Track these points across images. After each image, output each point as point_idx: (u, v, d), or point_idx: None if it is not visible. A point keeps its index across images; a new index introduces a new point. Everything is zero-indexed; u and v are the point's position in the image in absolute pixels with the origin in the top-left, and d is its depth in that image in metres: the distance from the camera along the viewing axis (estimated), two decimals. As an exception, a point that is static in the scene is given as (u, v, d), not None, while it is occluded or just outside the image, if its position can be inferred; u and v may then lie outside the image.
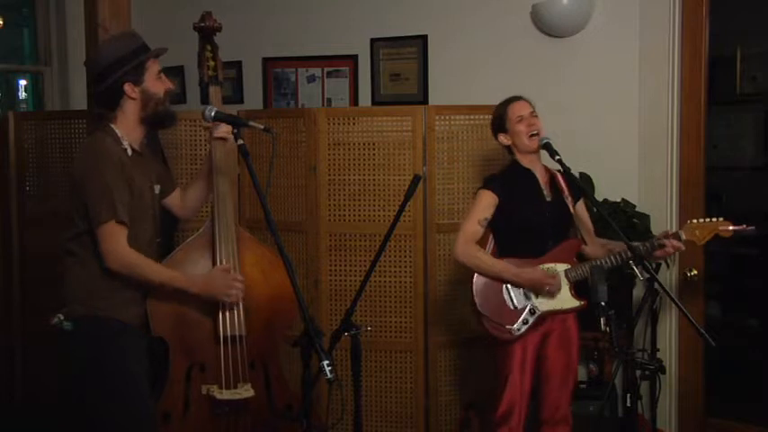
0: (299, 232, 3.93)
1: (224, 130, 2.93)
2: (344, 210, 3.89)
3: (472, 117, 3.85)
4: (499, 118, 3.27)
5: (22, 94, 5.71)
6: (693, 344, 4.00)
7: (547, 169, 3.30)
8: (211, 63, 3.12)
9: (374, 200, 3.86)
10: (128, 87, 2.76)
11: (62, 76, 5.21)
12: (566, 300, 3.18)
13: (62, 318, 2.75)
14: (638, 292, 3.92)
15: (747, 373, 4.86)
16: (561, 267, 3.18)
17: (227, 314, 2.94)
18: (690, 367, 4.06)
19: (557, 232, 3.21)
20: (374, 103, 4.76)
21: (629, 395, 2.92)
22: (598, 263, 3.10)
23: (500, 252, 3.25)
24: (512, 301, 3.17)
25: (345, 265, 3.88)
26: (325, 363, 2.23)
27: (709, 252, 3.93)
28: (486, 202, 3.20)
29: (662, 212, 4.05)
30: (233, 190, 3.14)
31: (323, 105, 4.87)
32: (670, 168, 4.05)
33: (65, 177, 3.97)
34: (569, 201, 3.24)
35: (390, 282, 3.86)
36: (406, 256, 3.84)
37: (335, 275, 3.90)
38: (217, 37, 3.16)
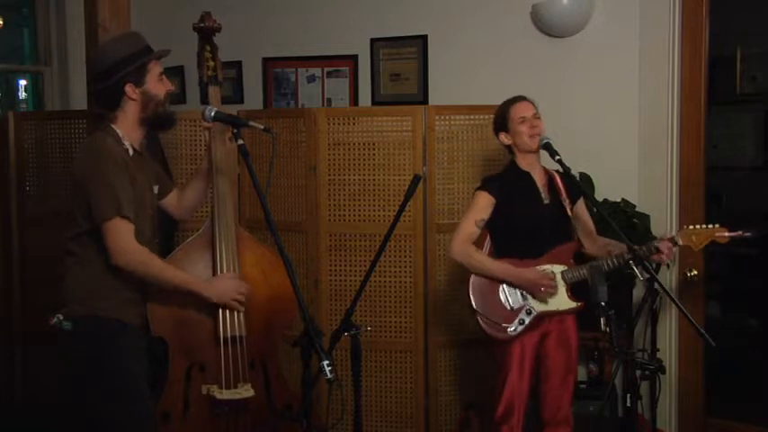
0: (299, 232, 3.93)
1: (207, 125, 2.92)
2: (344, 210, 3.89)
3: (472, 117, 3.85)
4: (502, 117, 3.27)
5: (22, 94, 5.71)
6: (693, 344, 4.00)
7: (545, 171, 3.30)
8: (211, 63, 3.12)
9: (374, 200, 3.86)
10: (129, 88, 2.76)
11: (62, 76, 5.21)
12: (562, 301, 3.19)
13: (62, 318, 2.74)
14: (638, 292, 3.92)
15: (747, 373, 4.87)
16: (558, 269, 3.18)
17: (227, 314, 2.94)
18: (690, 367, 4.06)
19: (554, 235, 3.21)
20: (374, 103, 4.76)
21: (629, 395, 2.92)
22: (597, 264, 3.10)
23: (497, 253, 3.25)
24: (508, 301, 3.17)
25: (345, 265, 3.88)
26: (325, 363, 2.23)
27: (709, 252, 3.93)
28: (484, 203, 3.20)
29: (662, 212, 4.05)
30: (233, 190, 3.14)
31: (323, 105, 4.87)
32: (670, 168, 4.05)
33: (65, 177, 3.97)
34: (567, 203, 3.23)
35: (390, 282, 3.86)
36: (406, 256, 3.84)
37: (335, 275, 3.90)
38: (216, 37, 3.16)
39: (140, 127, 2.83)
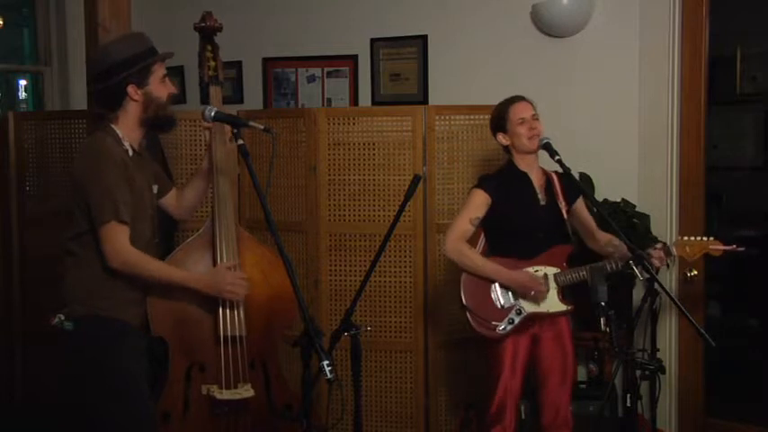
0: (299, 232, 3.93)
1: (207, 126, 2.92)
2: (344, 210, 3.89)
3: (472, 117, 3.85)
4: (500, 117, 3.26)
5: (22, 94, 5.71)
6: (693, 344, 4.01)
7: (543, 172, 3.29)
8: (212, 63, 3.11)
9: (374, 200, 3.86)
10: (131, 89, 2.76)
11: (62, 76, 5.21)
12: (553, 303, 3.18)
13: (62, 318, 2.75)
14: (638, 292, 3.92)
15: (747, 373, 4.87)
16: (551, 271, 3.18)
17: (228, 314, 2.94)
18: (690, 367, 4.06)
19: (549, 236, 3.20)
20: (374, 103, 4.76)
21: (629, 395, 2.92)
22: (598, 265, 3.10)
23: (491, 252, 3.25)
24: (499, 300, 3.18)
25: (345, 265, 3.88)
26: (325, 363, 2.23)
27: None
28: (479, 202, 3.20)
29: (662, 212, 4.05)
30: (233, 190, 3.13)
31: (323, 105, 4.88)
32: (670, 168, 4.05)
33: (65, 177, 3.96)
34: (563, 205, 3.23)
35: (390, 282, 3.86)
36: (406, 256, 3.84)
37: (335, 275, 3.90)
38: (217, 37, 3.16)
39: (140, 128, 2.83)
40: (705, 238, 3.22)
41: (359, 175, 3.87)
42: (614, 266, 3.09)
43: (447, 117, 3.86)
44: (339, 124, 3.90)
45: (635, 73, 4.14)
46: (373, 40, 4.73)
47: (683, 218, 4.03)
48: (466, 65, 4.50)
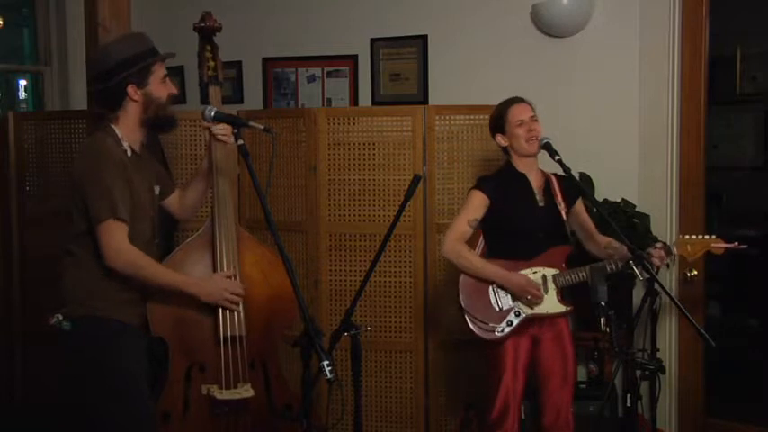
0: (299, 232, 3.93)
1: (221, 131, 2.91)
2: (344, 210, 3.89)
3: (472, 117, 3.85)
4: (498, 118, 3.25)
5: (22, 94, 5.71)
6: (693, 344, 4.00)
7: (542, 174, 3.28)
8: (211, 63, 3.11)
9: (374, 200, 3.86)
10: (131, 90, 2.76)
11: (62, 76, 5.20)
12: (552, 304, 3.18)
13: (61, 318, 2.75)
14: (638, 292, 3.92)
15: (747, 373, 4.87)
16: (550, 272, 3.17)
17: (227, 314, 2.94)
18: (690, 367, 4.06)
19: (547, 237, 3.19)
20: (374, 103, 4.76)
21: (629, 395, 2.92)
22: (599, 265, 3.10)
23: (489, 253, 3.24)
24: (497, 302, 3.17)
25: (345, 265, 3.89)
26: (325, 363, 2.23)
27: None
28: (477, 203, 3.20)
29: (662, 212, 4.05)
30: (233, 190, 3.13)
31: (323, 105, 4.87)
32: (670, 168, 4.05)
33: (65, 177, 3.96)
34: (562, 207, 3.22)
35: (390, 282, 3.86)
36: (406, 256, 3.84)
37: (335, 275, 3.90)
38: (217, 37, 3.16)
39: (140, 128, 2.83)
40: (706, 237, 3.21)
41: (359, 175, 3.87)
42: (614, 267, 3.09)
43: (447, 117, 3.86)
44: (339, 124, 3.90)
45: (635, 73, 4.14)
46: (373, 40, 4.73)
47: (683, 218, 4.03)
48: (466, 65, 4.50)
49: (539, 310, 3.17)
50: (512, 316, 3.15)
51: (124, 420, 2.73)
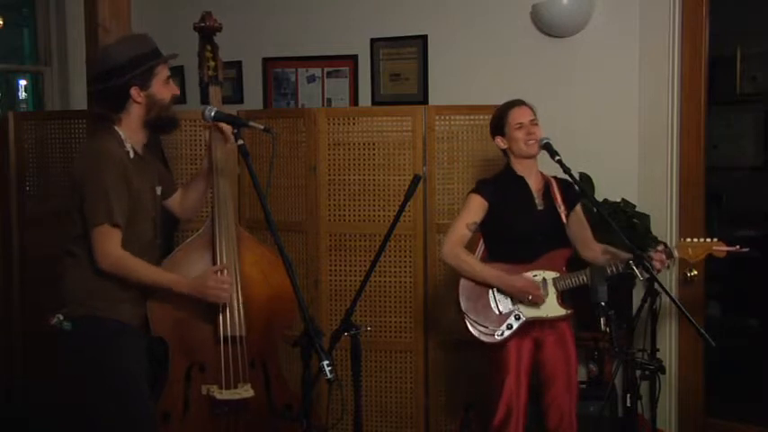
0: (299, 232, 3.93)
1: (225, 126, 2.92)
2: (344, 210, 3.89)
3: (472, 117, 3.85)
4: (499, 120, 3.24)
5: (22, 94, 5.71)
6: (693, 344, 4.00)
7: (542, 177, 3.27)
8: (211, 63, 3.11)
9: (374, 200, 3.86)
10: (134, 91, 2.75)
11: (62, 76, 5.21)
12: (552, 308, 3.16)
13: (61, 318, 2.75)
14: (638, 292, 3.92)
15: (747, 373, 4.87)
16: (550, 275, 3.16)
17: (227, 314, 2.94)
18: (690, 367, 4.05)
19: (547, 241, 3.18)
20: (374, 103, 4.76)
21: (629, 395, 2.92)
22: (599, 266, 3.09)
23: (489, 256, 3.23)
24: (497, 305, 3.16)
25: (345, 265, 3.89)
26: (325, 363, 2.23)
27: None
28: (476, 206, 3.18)
29: (662, 212, 4.05)
30: (232, 190, 3.13)
31: (323, 105, 4.87)
32: (670, 168, 4.05)
33: (65, 177, 3.96)
34: (562, 210, 3.21)
35: (390, 282, 3.86)
36: (406, 256, 3.84)
37: (335, 275, 3.90)
38: (217, 37, 3.16)
39: (143, 129, 2.83)
40: (708, 240, 3.20)
41: (359, 175, 3.87)
42: (614, 270, 3.08)
43: (447, 117, 3.86)
44: (339, 124, 3.90)
45: (635, 73, 4.14)
46: (373, 40, 4.73)
47: (683, 218, 4.03)
48: (466, 65, 4.50)
49: (539, 313, 3.15)
50: (512, 319, 3.14)
51: (124, 420, 2.73)
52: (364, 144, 3.88)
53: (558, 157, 3.11)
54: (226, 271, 2.91)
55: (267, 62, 4.98)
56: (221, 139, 2.98)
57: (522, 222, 3.18)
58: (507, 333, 3.13)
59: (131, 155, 2.79)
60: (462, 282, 3.18)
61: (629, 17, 4.14)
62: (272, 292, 3.06)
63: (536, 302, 3.14)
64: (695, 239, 3.21)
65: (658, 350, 3.11)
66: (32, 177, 4.18)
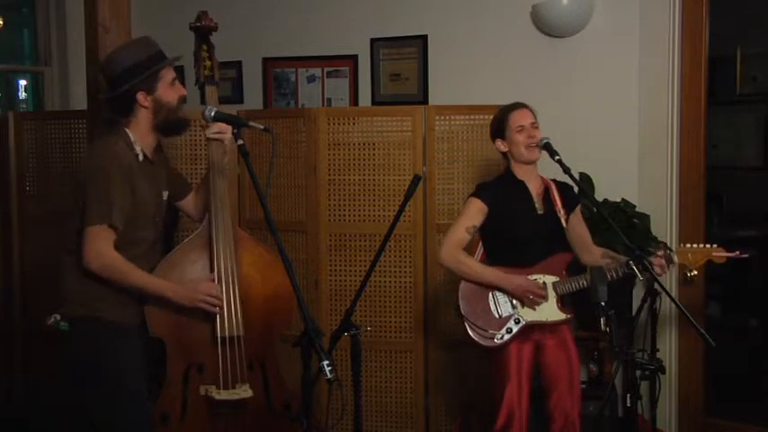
0: (299, 232, 3.93)
1: (215, 130, 2.91)
2: (344, 210, 3.89)
3: (472, 117, 3.85)
4: (499, 123, 3.21)
5: (22, 94, 5.71)
6: (693, 344, 4.00)
7: (542, 180, 3.25)
8: (208, 63, 3.10)
9: (374, 200, 3.86)
10: (140, 96, 2.75)
11: (62, 76, 5.21)
12: (552, 312, 3.15)
13: (59, 318, 2.75)
14: (638, 292, 3.92)
15: (747, 373, 4.87)
16: (550, 280, 3.15)
17: (225, 315, 2.94)
18: (690, 367, 4.05)
19: (547, 245, 3.16)
20: (374, 103, 4.76)
21: (629, 395, 2.91)
22: (600, 266, 3.08)
23: (488, 260, 3.22)
24: (497, 309, 3.14)
25: (345, 265, 3.88)
26: (325, 363, 2.23)
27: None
28: (475, 210, 3.16)
29: (662, 212, 4.05)
30: (232, 190, 3.13)
31: (323, 105, 4.87)
32: (670, 168, 4.05)
33: (65, 177, 3.97)
34: (562, 214, 3.19)
35: (390, 282, 3.86)
36: (406, 256, 3.84)
37: (335, 275, 3.90)
38: (217, 37, 3.15)
39: (153, 133, 2.83)
40: (708, 246, 3.20)
41: (359, 175, 3.87)
42: (615, 275, 3.07)
43: (447, 117, 3.86)
44: (339, 124, 3.90)
45: (635, 73, 4.14)
46: (373, 40, 4.73)
47: (683, 218, 4.03)
48: (466, 65, 4.50)
49: (539, 317, 3.14)
50: (511, 323, 3.13)
51: (122, 420, 2.73)
52: (364, 144, 3.88)
53: (557, 157, 3.10)
54: (231, 278, 2.91)
55: (267, 62, 4.98)
56: (218, 139, 2.98)
57: (522, 227, 3.16)
58: (507, 337, 3.12)
59: (140, 158, 2.79)
60: (462, 285, 3.17)
61: (629, 17, 4.14)
62: (270, 292, 3.06)
63: (538, 302, 3.13)
64: (695, 245, 3.20)
65: (658, 350, 3.11)
66: (32, 177, 4.18)
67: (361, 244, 3.85)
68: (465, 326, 3.14)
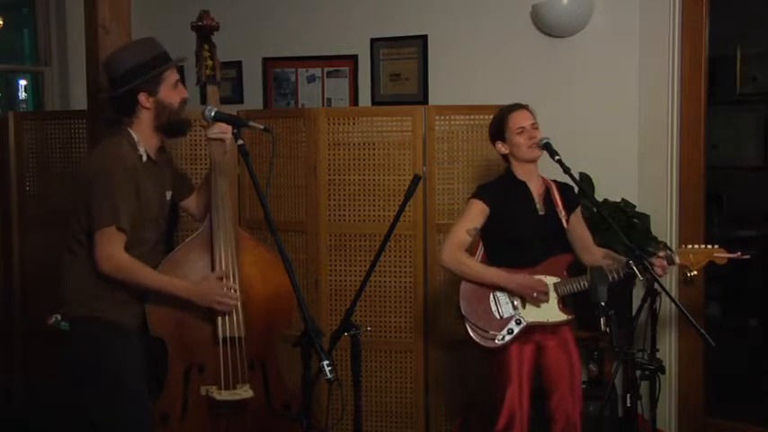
0: (299, 232, 3.93)
1: (216, 131, 2.91)
2: (344, 210, 3.89)
3: (472, 117, 3.85)
4: (498, 125, 3.21)
5: (22, 94, 5.71)
6: (693, 344, 4.00)
7: (543, 181, 3.25)
8: (209, 62, 3.10)
9: (374, 200, 3.86)
10: (142, 97, 2.75)
11: (62, 76, 5.21)
12: (553, 312, 3.15)
13: (59, 318, 2.75)
14: (638, 292, 3.92)
15: (747, 373, 4.87)
16: (551, 280, 3.14)
17: (226, 315, 2.94)
18: (690, 367, 4.05)
19: (548, 246, 3.16)
20: (374, 103, 4.76)
21: (629, 395, 2.91)
22: (600, 267, 3.07)
23: (489, 261, 3.21)
24: (498, 310, 3.14)
25: (345, 265, 3.89)
26: (325, 363, 2.23)
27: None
28: (476, 212, 3.16)
29: (662, 212, 4.05)
30: (232, 190, 3.13)
31: (323, 105, 4.87)
32: (670, 168, 4.05)
33: (65, 177, 3.97)
34: (563, 215, 3.19)
35: (390, 282, 3.86)
36: (406, 257, 3.84)
37: (335, 275, 3.90)
38: (217, 37, 3.15)
39: (156, 134, 2.83)
40: (709, 246, 3.19)
41: (359, 175, 3.87)
42: (615, 276, 3.07)
43: (447, 117, 3.86)
44: (339, 124, 3.90)
45: (635, 73, 4.14)
46: (373, 40, 4.73)
47: (683, 218, 4.03)
48: (466, 65, 4.49)
49: (540, 318, 3.14)
50: (512, 324, 3.12)
51: (122, 420, 2.73)
52: (364, 144, 3.88)
53: (557, 157, 3.10)
54: (232, 278, 2.91)
55: (267, 62, 4.98)
56: (219, 139, 2.98)
57: (523, 227, 3.16)
58: (508, 338, 3.12)
59: (144, 159, 2.79)
60: (463, 285, 3.16)
61: (629, 17, 4.14)
62: (271, 292, 3.06)
63: (541, 299, 3.12)
64: (696, 246, 3.20)
65: (658, 350, 3.11)
66: (32, 177, 4.18)
67: (361, 244, 3.85)
68: (466, 326, 3.14)
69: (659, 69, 4.05)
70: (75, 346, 2.77)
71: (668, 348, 4.04)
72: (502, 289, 3.14)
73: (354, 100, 4.83)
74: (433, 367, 3.88)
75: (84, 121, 3.93)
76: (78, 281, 2.75)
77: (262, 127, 2.72)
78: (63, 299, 2.78)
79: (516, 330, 3.12)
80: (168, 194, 2.95)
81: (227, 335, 2.94)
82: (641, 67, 4.13)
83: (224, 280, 2.90)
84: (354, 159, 3.87)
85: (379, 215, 3.85)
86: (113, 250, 2.66)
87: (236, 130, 2.67)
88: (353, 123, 3.93)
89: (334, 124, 3.89)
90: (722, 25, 4.14)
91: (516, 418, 3.12)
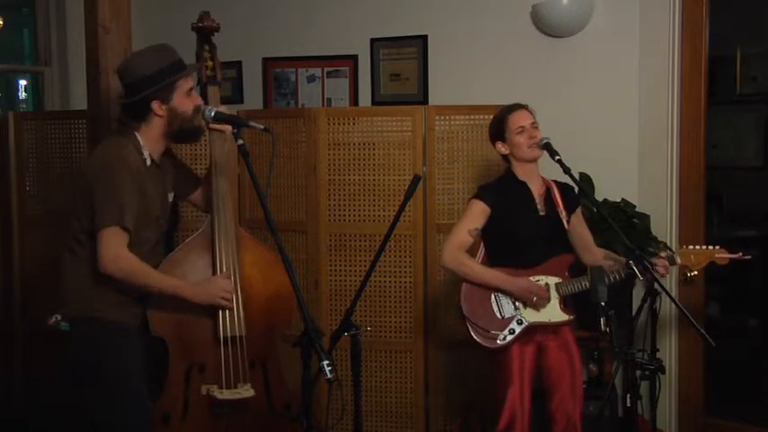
0: (299, 232, 3.93)
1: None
2: (344, 210, 3.89)
3: (472, 117, 3.85)
4: (498, 126, 3.21)
5: (22, 94, 5.71)
6: (693, 344, 4.00)
7: (543, 181, 3.25)
8: (209, 63, 3.11)
9: (374, 200, 3.86)
10: (155, 105, 2.74)
11: (62, 76, 5.21)
12: (554, 313, 3.14)
13: (59, 318, 2.75)
14: (638, 292, 3.92)
15: (747, 373, 4.87)
16: (552, 281, 3.15)
17: (227, 314, 2.94)
18: (690, 367, 4.05)
19: (549, 246, 3.16)
20: (374, 103, 4.76)
21: (629, 395, 2.91)
22: (600, 267, 3.07)
23: (490, 262, 3.21)
24: (500, 310, 3.14)
25: (345, 265, 3.89)
26: (325, 363, 2.23)
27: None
28: (477, 212, 3.16)
29: (662, 212, 4.05)
30: (232, 190, 3.13)
31: (323, 105, 4.87)
32: (670, 168, 4.05)
33: (65, 177, 3.97)
34: (563, 215, 3.19)
35: (390, 282, 3.87)
36: (406, 257, 3.84)
37: (335, 275, 3.90)
38: (217, 37, 3.15)
39: (163, 140, 2.83)
40: (710, 247, 3.20)
41: (359, 175, 3.87)
42: (616, 277, 3.07)
43: (447, 117, 3.86)
44: (339, 124, 3.90)
45: (635, 73, 4.14)
46: (373, 40, 4.73)
47: (683, 218, 4.03)
48: (466, 65, 4.49)
49: (541, 318, 3.14)
50: (514, 324, 3.12)
51: (122, 420, 2.73)
52: (364, 144, 3.88)
53: (557, 157, 3.10)
54: (231, 277, 2.91)
55: (267, 62, 4.98)
56: (220, 139, 2.98)
57: (524, 228, 3.16)
58: (509, 338, 3.12)
59: (148, 162, 2.78)
60: (464, 286, 3.16)
61: (629, 17, 4.14)
62: (272, 292, 3.06)
63: (541, 304, 3.12)
64: (698, 246, 3.20)
65: (658, 350, 3.11)
66: (32, 177, 4.18)
67: (361, 244, 3.85)
68: (467, 326, 3.14)
69: (659, 69, 4.05)
70: (76, 347, 2.77)
71: (668, 348, 4.04)
72: (503, 291, 3.15)
73: (354, 100, 4.83)
74: (433, 367, 3.88)
75: (84, 121, 3.93)
76: (78, 281, 2.75)
77: (262, 127, 2.72)
78: (63, 299, 2.78)
79: (518, 330, 3.12)
80: (170, 196, 2.95)
81: (228, 334, 2.94)
82: (641, 67, 4.13)
83: (229, 279, 2.90)
84: (354, 159, 3.88)
85: (379, 215, 3.85)
86: (119, 250, 2.66)
87: (236, 130, 2.67)
88: (353, 123, 3.93)
89: (334, 124, 3.89)
90: (722, 25, 4.14)
91: (517, 419, 3.12)
